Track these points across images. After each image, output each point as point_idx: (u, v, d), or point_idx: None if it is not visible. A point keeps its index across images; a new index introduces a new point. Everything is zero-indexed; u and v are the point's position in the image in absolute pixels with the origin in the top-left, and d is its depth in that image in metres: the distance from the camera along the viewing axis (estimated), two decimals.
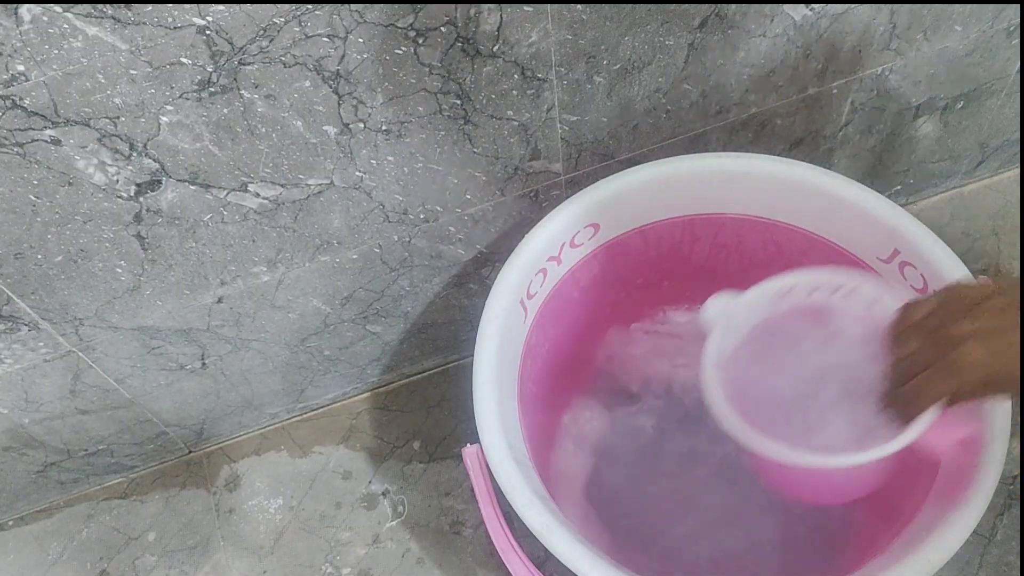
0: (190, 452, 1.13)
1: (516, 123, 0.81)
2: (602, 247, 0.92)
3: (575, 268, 0.91)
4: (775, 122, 0.96)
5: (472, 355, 0.80)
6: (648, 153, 0.91)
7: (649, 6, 0.75)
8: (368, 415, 1.14)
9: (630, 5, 0.75)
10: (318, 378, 1.08)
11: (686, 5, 0.77)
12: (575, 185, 0.90)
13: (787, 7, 0.82)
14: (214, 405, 1.05)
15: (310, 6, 0.64)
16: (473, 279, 1.02)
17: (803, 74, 0.90)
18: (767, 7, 0.81)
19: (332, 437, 1.13)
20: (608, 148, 0.89)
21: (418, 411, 1.13)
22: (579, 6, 0.73)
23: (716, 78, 0.86)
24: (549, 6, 0.71)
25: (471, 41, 0.72)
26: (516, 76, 0.76)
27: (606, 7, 0.74)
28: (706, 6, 0.78)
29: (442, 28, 0.70)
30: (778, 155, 0.92)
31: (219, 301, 0.88)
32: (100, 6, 0.58)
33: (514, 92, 0.78)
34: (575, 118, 0.83)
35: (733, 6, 0.79)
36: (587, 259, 0.92)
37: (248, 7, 0.62)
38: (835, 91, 0.95)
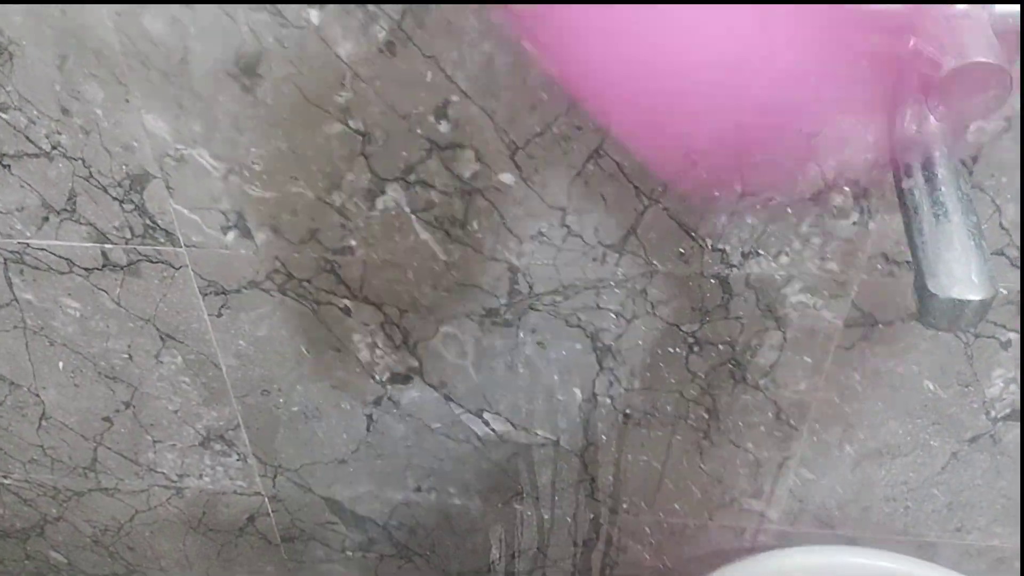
0: None
1: (752, 457, 0.80)
2: None
3: None
4: (1015, 564, 0.88)
5: None
6: (865, 540, 0.86)
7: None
8: None
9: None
10: None
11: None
12: (783, 537, 0.86)
13: None
14: None
15: (613, 284, 0.68)
16: None
17: None
18: None
19: None
20: (832, 519, 0.85)
21: None
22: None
23: (968, 496, 0.82)
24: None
25: (742, 367, 0.73)
26: (770, 414, 0.76)
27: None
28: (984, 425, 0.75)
29: (720, 345, 0.71)
30: None
31: (406, 505, 0.89)
32: (447, 227, 0.65)
33: (762, 428, 0.77)
34: (811, 476, 0.81)
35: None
36: None
37: (563, 271, 0.67)
38: None
